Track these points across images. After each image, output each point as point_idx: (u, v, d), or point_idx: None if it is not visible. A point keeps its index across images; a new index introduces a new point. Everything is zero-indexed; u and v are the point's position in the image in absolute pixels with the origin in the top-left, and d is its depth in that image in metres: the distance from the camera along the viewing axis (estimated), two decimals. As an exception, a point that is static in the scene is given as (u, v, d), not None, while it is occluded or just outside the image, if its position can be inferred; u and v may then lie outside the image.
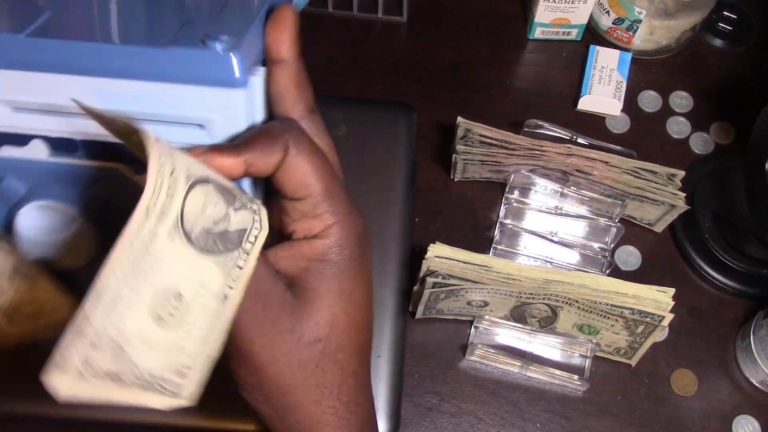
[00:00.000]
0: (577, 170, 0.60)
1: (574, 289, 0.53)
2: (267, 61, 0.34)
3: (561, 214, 0.63)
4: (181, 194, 0.28)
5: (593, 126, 0.70)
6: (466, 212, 0.66)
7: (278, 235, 0.34)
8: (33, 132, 0.35)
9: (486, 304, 0.57)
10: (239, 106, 0.33)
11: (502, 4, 0.76)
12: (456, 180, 0.66)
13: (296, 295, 0.32)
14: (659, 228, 0.65)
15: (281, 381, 0.32)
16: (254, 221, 0.31)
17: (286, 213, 0.33)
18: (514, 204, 0.64)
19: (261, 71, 0.34)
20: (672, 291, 0.52)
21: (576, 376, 0.58)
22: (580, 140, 0.63)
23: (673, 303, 0.52)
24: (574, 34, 0.73)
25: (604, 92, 0.70)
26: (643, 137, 0.70)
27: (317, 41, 0.74)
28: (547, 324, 0.58)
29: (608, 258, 0.63)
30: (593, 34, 0.74)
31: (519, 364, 0.58)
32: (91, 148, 0.36)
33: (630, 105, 0.71)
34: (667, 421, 0.59)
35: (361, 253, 0.34)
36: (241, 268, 0.30)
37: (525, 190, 0.64)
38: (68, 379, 0.24)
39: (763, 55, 0.75)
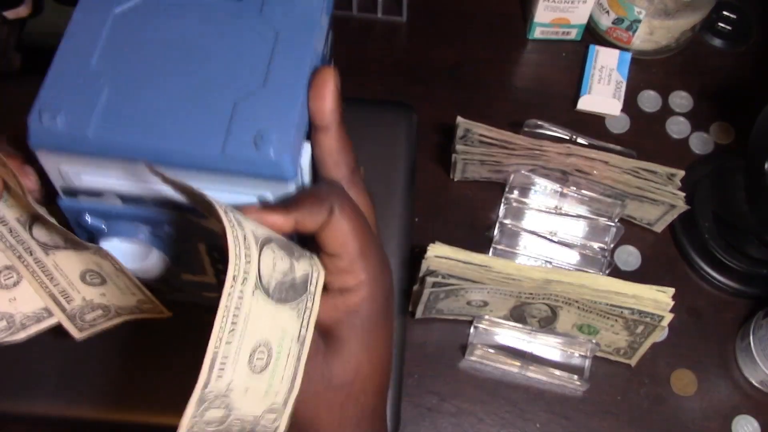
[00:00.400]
0: (576, 170, 0.60)
1: (573, 289, 0.53)
2: (311, 126, 0.37)
3: (561, 214, 0.63)
4: (256, 257, 0.31)
5: (593, 126, 0.70)
6: (465, 212, 0.66)
7: None
8: (106, 190, 0.40)
9: (486, 304, 0.57)
10: (289, 190, 0.37)
11: (501, 4, 0.76)
12: (456, 180, 0.66)
13: (327, 342, 0.35)
14: (659, 228, 0.65)
15: (305, 416, 0.35)
16: (312, 266, 0.35)
17: (324, 266, 0.36)
18: (514, 204, 0.64)
19: (307, 150, 0.38)
20: (672, 291, 0.52)
21: (576, 376, 0.58)
22: (579, 140, 0.63)
23: (672, 303, 0.52)
24: (573, 34, 0.73)
25: (603, 92, 0.70)
26: (643, 137, 0.70)
27: (317, 41, 0.74)
28: (547, 324, 0.58)
29: (608, 258, 0.63)
30: (593, 34, 0.74)
31: (519, 364, 0.58)
32: (160, 202, 0.41)
33: (630, 105, 0.71)
34: (666, 421, 0.59)
35: (387, 305, 0.37)
36: (310, 310, 0.34)
37: (525, 190, 0.64)
38: None
39: (763, 55, 0.75)
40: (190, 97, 0.38)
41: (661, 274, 0.64)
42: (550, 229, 0.63)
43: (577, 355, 0.59)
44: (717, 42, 0.75)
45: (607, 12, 0.71)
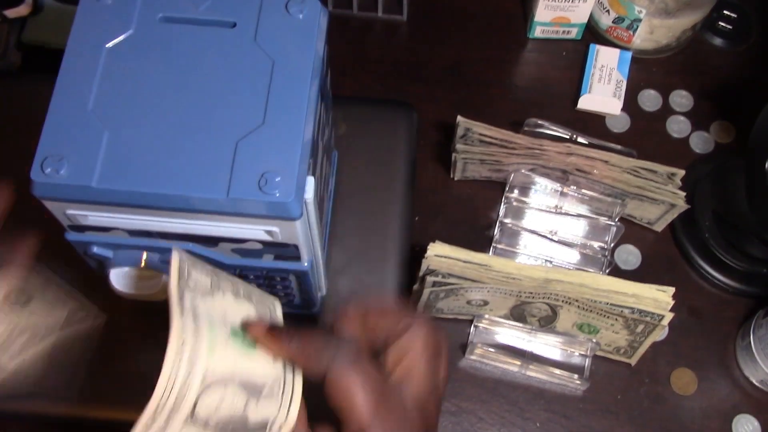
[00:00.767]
0: (577, 169, 0.60)
1: (573, 288, 0.52)
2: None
3: (561, 213, 0.63)
4: (193, 397, 0.30)
5: (593, 125, 0.70)
6: (465, 211, 0.66)
7: None
8: (112, 227, 0.40)
9: (486, 303, 0.57)
10: (296, 227, 0.38)
11: (502, 3, 0.76)
12: (456, 179, 0.66)
13: None
14: (659, 227, 0.65)
15: None
16: (280, 410, 0.34)
17: (337, 417, 0.33)
18: (514, 203, 0.64)
19: (311, 184, 0.38)
20: (672, 290, 0.52)
21: (576, 375, 0.58)
22: (580, 139, 0.63)
23: (672, 302, 0.52)
24: (574, 33, 0.73)
25: (604, 91, 0.69)
26: (643, 136, 0.70)
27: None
28: (547, 323, 0.58)
29: (608, 257, 0.63)
30: (593, 33, 0.74)
31: (519, 363, 0.58)
32: (166, 234, 0.41)
33: (630, 104, 0.71)
34: (666, 420, 0.59)
35: None
36: None
37: (525, 189, 0.64)
38: None
39: (763, 54, 0.75)
40: (191, 137, 0.37)
41: (661, 274, 0.64)
42: (550, 228, 0.63)
43: (577, 354, 0.59)
44: (717, 41, 0.75)
45: (608, 11, 0.71)
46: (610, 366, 0.60)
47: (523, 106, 0.71)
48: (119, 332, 0.55)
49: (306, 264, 0.44)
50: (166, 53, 0.39)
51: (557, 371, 0.58)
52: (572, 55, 0.74)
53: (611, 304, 0.53)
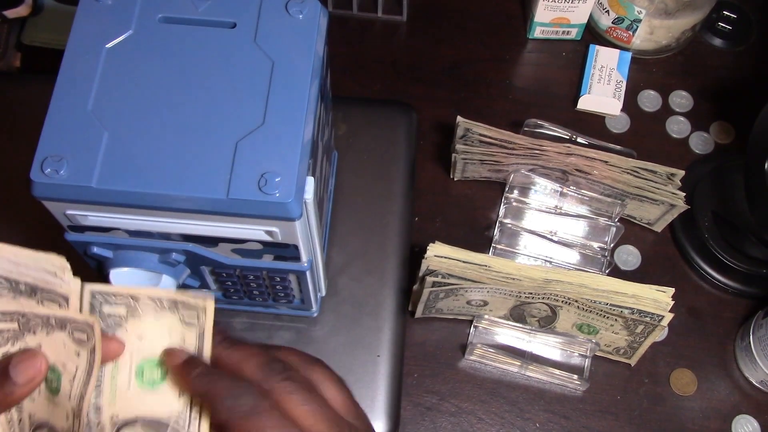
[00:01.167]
0: (576, 170, 0.60)
1: (573, 288, 0.53)
2: None
3: (561, 214, 0.63)
4: None
5: (593, 125, 0.70)
6: (465, 212, 0.66)
7: None
8: (112, 227, 0.40)
9: (485, 303, 0.57)
10: (296, 227, 0.38)
11: (501, 3, 0.76)
12: (456, 179, 0.66)
13: None
14: (659, 227, 0.65)
15: None
16: None
17: None
18: (514, 203, 0.64)
19: (311, 184, 0.38)
20: (671, 291, 0.52)
21: (575, 376, 0.58)
22: (579, 140, 0.63)
23: (672, 303, 0.52)
24: (573, 34, 0.73)
25: (603, 92, 0.70)
26: (643, 137, 0.70)
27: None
28: (547, 323, 0.58)
29: (608, 257, 0.63)
30: (593, 34, 0.74)
31: (518, 363, 0.58)
32: (166, 234, 0.41)
33: (630, 104, 0.71)
34: (666, 420, 0.59)
35: None
36: None
37: (524, 190, 0.64)
38: None
39: (763, 54, 0.75)
40: (191, 136, 0.37)
41: (661, 274, 0.64)
42: (550, 228, 0.63)
43: (576, 354, 0.59)
44: (717, 41, 0.75)
45: (607, 11, 0.71)
46: (610, 366, 0.60)
47: (522, 107, 0.71)
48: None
49: (306, 264, 0.44)
50: (165, 54, 0.39)
51: (557, 372, 0.58)
52: (572, 56, 0.74)
53: (611, 305, 0.53)
